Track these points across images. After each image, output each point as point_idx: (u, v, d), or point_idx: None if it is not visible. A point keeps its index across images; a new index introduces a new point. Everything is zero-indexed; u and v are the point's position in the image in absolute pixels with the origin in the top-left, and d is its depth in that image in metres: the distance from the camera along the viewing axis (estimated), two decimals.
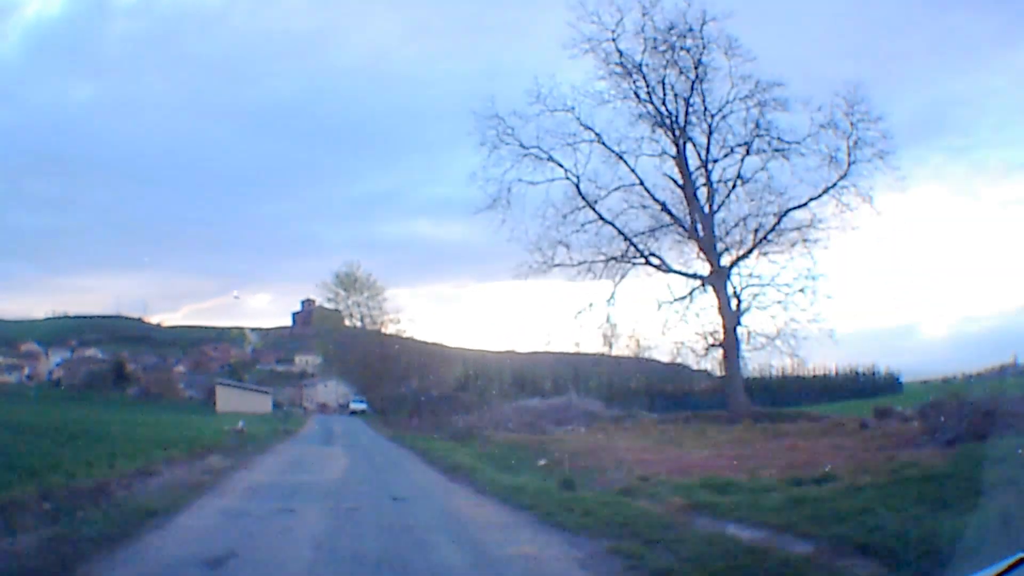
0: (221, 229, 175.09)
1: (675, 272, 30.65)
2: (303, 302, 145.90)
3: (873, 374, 43.64)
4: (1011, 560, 3.01)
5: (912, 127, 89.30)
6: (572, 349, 40.94)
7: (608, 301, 30.75)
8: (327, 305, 72.59)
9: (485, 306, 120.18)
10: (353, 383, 75.49)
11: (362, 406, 65.61)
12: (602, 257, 30.42)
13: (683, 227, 30.01)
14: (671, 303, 30.30)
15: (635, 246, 30.30)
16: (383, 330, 66.61)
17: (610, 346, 35.35)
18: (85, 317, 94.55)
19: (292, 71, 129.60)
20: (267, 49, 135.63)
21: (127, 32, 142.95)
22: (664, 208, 30.21)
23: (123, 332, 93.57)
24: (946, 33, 79.82)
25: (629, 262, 30.38)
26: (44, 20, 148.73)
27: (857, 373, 43.74)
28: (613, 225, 30.30)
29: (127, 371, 72.08)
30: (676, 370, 40.92)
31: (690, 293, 30.32)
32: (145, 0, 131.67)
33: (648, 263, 30.55)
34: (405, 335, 66.40)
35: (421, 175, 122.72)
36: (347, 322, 71.30)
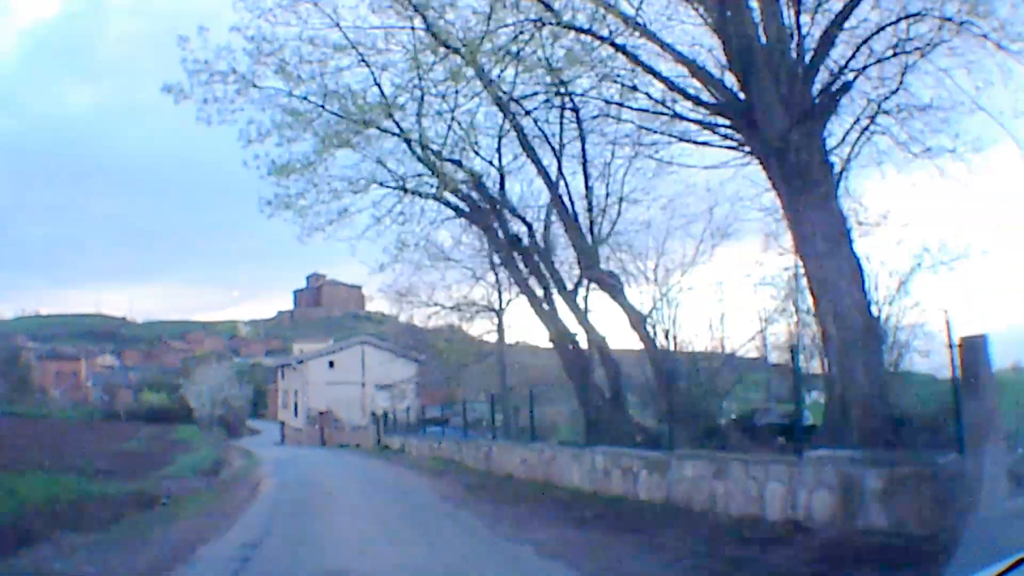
0: (232, 240, 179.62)
1: None
2: (308, 277, 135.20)
3: None
4: (1011, 560, 2.94)
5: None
6: None
7: None
8: None
9: None
10: None
11: None
12: None
13: None
14: None
15: None
16: None
17: None
18: (59, 316, 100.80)
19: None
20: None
21: (124, 33, 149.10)
22: None
23: (90, 329, 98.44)
24: None
25: None
26: (40, 22, 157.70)
27: None
28: None
29: (20, 363, 74.07)
30: None
31: None
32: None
33: None
34: None
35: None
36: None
